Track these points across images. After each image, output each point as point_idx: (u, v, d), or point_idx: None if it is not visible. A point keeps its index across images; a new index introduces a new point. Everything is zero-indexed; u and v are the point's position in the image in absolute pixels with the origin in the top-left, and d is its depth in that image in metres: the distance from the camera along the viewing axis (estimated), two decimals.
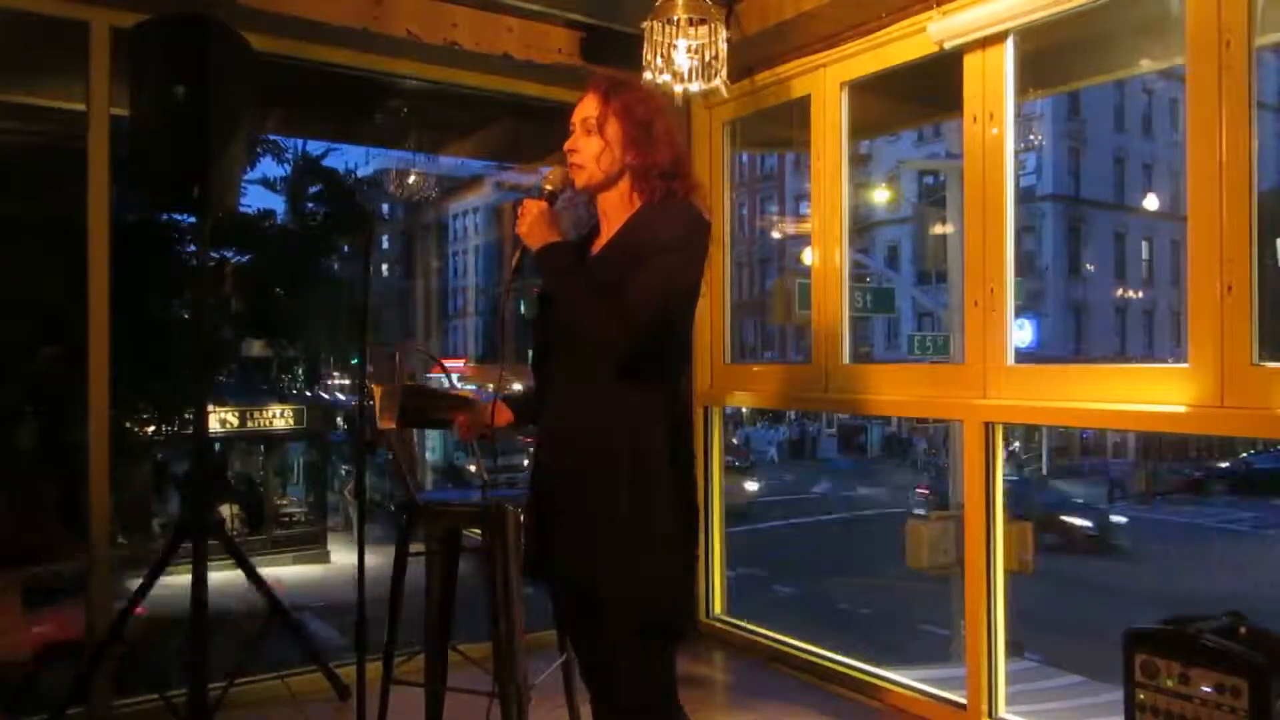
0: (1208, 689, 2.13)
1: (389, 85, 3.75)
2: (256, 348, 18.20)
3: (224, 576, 2.85)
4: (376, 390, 1.97)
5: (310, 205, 18.41)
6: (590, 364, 1.73)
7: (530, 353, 1.92)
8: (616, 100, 1.81)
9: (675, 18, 2.88)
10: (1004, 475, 2.84)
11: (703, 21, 2.91)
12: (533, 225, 1.79)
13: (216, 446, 17.01)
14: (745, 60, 3.42)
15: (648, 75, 2.85)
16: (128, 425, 13.42)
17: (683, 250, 1.73)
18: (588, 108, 1.83)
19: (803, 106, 3.49)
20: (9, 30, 3.09)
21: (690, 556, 1.80)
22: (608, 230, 1.85)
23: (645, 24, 2.91)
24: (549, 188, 1.85)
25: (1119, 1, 2.86)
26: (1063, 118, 26.93)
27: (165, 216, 12.88)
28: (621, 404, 1.72)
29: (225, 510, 16.10)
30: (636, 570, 1.69)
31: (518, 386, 2.13)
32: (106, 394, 2.92)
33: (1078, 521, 16.66)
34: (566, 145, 1.85)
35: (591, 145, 1.81)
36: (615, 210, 1.85)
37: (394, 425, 1.98)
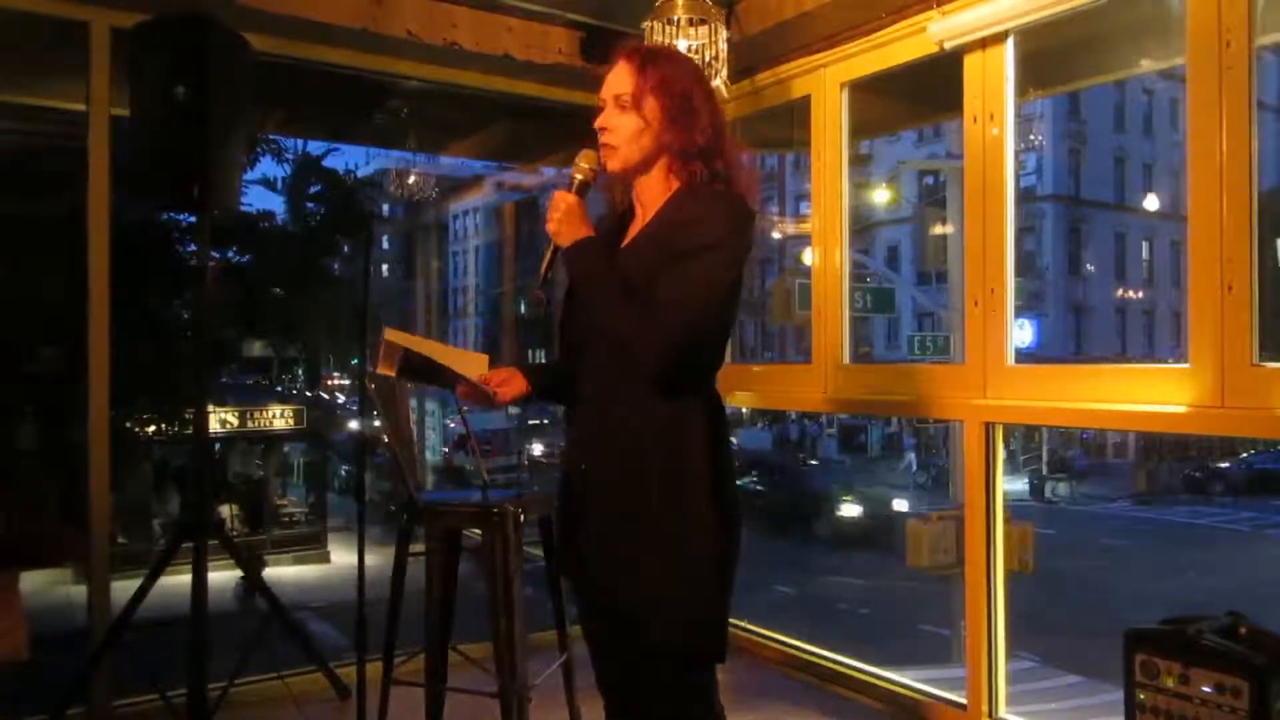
0: (1208, 689, 2.13)
1: (389, 85, 3.75)
2: (256, 348, 18.24)
3: (225, 576, 2.85)
4: (383, 340, 1.87)
5: (310, 205, 18.43)
6: (623, 366, 1.60)
7: (534, 350, 1.85)
8: (653, 72, 1.64)
9: (675, 18, 2.89)
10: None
11: (703, 21, 2.91)
12: (563, 221, 1.63)
13: (216, 446, 17.01)
14: (745, 60, 3.42)
15: None
16: (128, 425, 13.44)
17: (725, 249, 1.58)
18: (621, 80, 1.66)
19: (803, 106, 3.49)
20: (9, 30, 3.09)
21: (731, 574, 1.65)
22: (643, 216, 1.72)
23: (645, 24, 2.91)
24: (580, 177, 1.68)
25: (1119, 1, 2.86)
26: (1063, 118, 26.94)
27: (165, 216, 12.91)
28: (656, 408, 1.59)
29: (225, 510, 16.11)
30: (674, 592, 1.58)
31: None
32: (106, 394, 2.91)
33: None
34: (598, 122, 1.68)
35: (627, 123, 1.65)
36: (652, 195, 1.70)
37: (391, 373, 1.90)
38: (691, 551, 1.60)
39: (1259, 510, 19.18)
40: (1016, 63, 2.81)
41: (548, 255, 1.68)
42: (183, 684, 2.53)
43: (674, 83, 1.65)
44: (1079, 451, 24.90)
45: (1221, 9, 2.26)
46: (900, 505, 17.62)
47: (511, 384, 1.82)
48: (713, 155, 1.67)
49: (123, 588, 2.79)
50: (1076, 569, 13.77)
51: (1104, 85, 23.81)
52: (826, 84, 3.39)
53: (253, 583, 2.68)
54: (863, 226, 25.04)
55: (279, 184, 18.24)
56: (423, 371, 1.87)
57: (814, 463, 21.84)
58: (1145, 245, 28.99)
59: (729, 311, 1.65)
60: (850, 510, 17.11)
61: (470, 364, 1.85)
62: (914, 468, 23.55)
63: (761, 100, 3.65)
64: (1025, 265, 25.65)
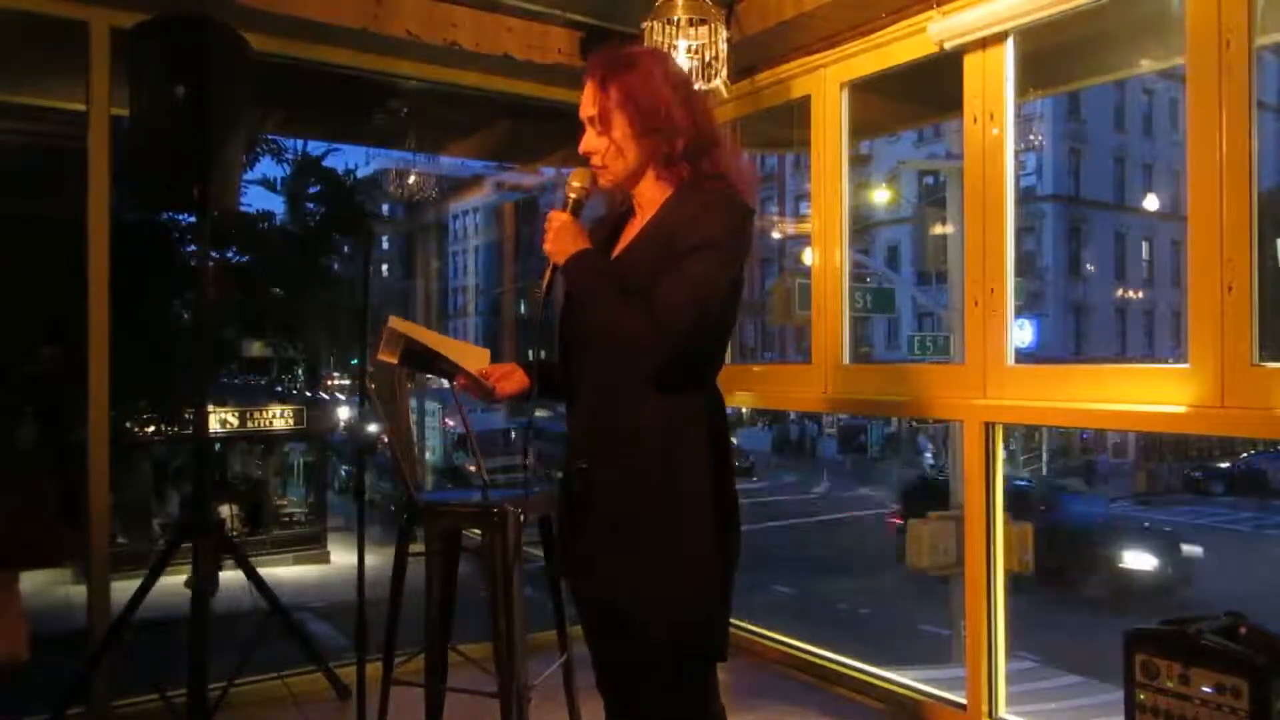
0: (1208, 689, 2.13)
1: (389, 85, 3.75)
2: (256, 348, 18.25)
3: (224, 576, 2.84)
4: (387, 326, 1.90)
5: (310, 205, 18.44)
6: (622, 365, 1.62)
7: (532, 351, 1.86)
8: (615, 88, 1.65)
9: (675, 18, 2.88)
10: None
11: (703, 22, 2.91)
12: (557, 239, 1.66)
13: (217, 446, 17.00)
14: (745, 60, 3.42)
15: None
16: (128, 425, 13.45)
17: (722, 247, 1.58)
18: (587, 102, 1.68)
19: (803, 106, 3.49)
20: (9, 30, 3.09)
21: (730, 573, 1.66)
22: (641, 217, 1.73)
23: (645, 24, 2.91)
24: (574, 196, 1.71)
25: (1119, 1, 2.86)
26: (1063, 118, 26.94)
27: (165, 216, 12.92)
28: (656, 409, 1.60)
29: (225, 510, 16.10)
30: (673, 591, 1.58)
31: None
32: (106, 394, 2.92)
33: None
34: (581, 148, 1.71)
35: (603, 144, 1.67)
36: (648, 197, 1.71)
37: (393, 360, 1.93)
38: (691, 551, 1.60)
39: (1259, 510, 19.17)
40: (1016, 63, 2.81)
41: (547, 274, 1.70)
42: (183, 684, 2.53)
43: (639, 93, 1.65)
44: (1105, 457, 24.37)
45: (1221, 9, 2.26)
46: (1191, 549, 12.95)
47: (511, 380, 1.84)
48: (698, 155, 1.67)
49: (123, 588, 2.79)
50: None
51: (1104, 85, 23.82)
52: (826, 84, 3.39)
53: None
54: (863, 226, 25.03)
55: (279, 184, 18.26)
56: (424, 360, 1.90)
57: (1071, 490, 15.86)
58: (1145, 245, 29.00)
59: (729, 310, 1.66)
60: (1140, 560, 11.94)
61: (471, 357, 1.86)
62: (930, 464, 23.33)
63: (761, 100, 3.65)
64: (1025, 265, 25.64)
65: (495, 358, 1.90)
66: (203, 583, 2.53)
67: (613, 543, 1.64)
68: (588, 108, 1.69)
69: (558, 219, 1.68)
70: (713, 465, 1.63)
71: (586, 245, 1.67)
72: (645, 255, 1.63)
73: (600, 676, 1.81)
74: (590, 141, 1.69)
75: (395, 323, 1.89)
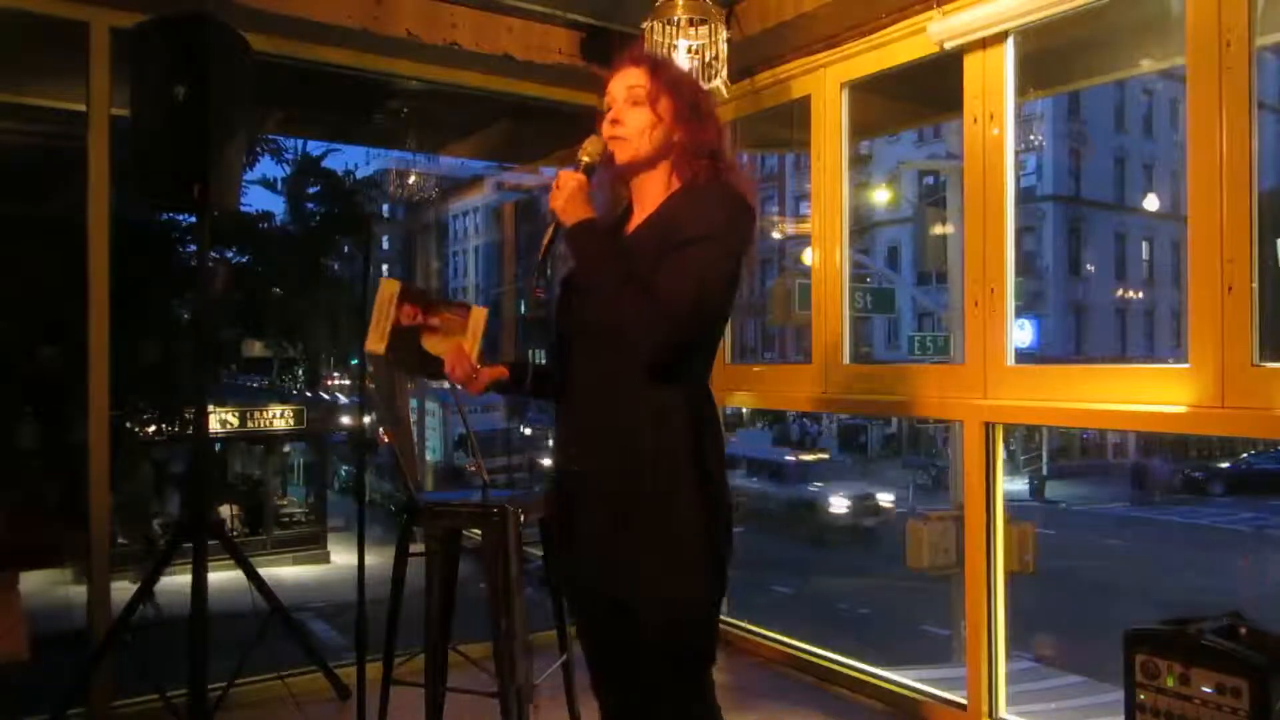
0: (1208, 689, 2.13)
1: (389, 85, 3.75)
2: (257, 348, 18.24)
3: (224, 576, 2.85)
4: (377, 299, 1.88)
5: (310, 205, 18.44)
6: (615, 359, 1.61)
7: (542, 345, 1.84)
8: (665, 75, 1.71)
9: (675, 18, 2.89)
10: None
11: (703, 22, 2.91)
12: (569, 200, 1.63)
13: (217, 446, 17.00)
14: (745, 60, 3.42)
15: None
16: (128, 425, 13.44)
17: (722, 239, 1.60)
18: (634, 78, 1.70)
19: (803, 107, 3.49)
20: (9, 30, 3.09)
21: (722, 572, 1.65)
22: (641, 213, 1.73)
23: (645, 24, 2.91)
24: (586, 159, 1.69)
25: (1119, 1, 2.86)
26: (1063, 118, 26.92)
27: (165, 216, 12.92)
28: (646, 402, 1.60)
29: (225, 510, 16.09)
30: (663, 590, 1.59)
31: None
32: (106, 394, 2.91)
33: None
34: (610, 115, 1.70)
35: (640, 118, 1.68)
36: (651, 192, 1.72)
37: (380, 351, 1.91)
38: (684, 551, 1.60)
39: (1259, 510, 19.16)
40: (1016, 63, 2.81)
41: (549, 233, 1.68)
42: (183, 684, 2.53)
43: (684, 87, 1.73)
44: (1168, 464, 23.29)
45: (1221, 9, 2.26)
46: None
47: (492, 369, 1.85)
48: (717, 157, 1.71)
49: (123, 588, 2.79)
50: (1077, 569, 13.77)
51: (1104, 85, 23.80)
52: (826, 84, 3.39)
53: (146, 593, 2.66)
54: (863, 226, 25.03)
55: (279, 184, 18.26)
56: (412, 352, 1.87)
57: None
58: (1145, 245, 28.99)
59: (726, 302, 1.66)
60: None
61: (471, 319, 1.84)
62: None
63: (761, 100, 3.65)
64: (1025, 265, 25.63)
65: (495, 357, 1.90)
66: (148, 586, 2.52)
67: (607, 541, 1.64)
68: (633, 81, 1.70)
69: (573, 178, 1.66)
70: (699, 459, 1.63)
71: (595, 215, 1.66)
72: (646, 245, 1.63)
73: (595, 679, 1.81)
74: (625, 112, 1.69)
75: (385, 291, 1.86)
